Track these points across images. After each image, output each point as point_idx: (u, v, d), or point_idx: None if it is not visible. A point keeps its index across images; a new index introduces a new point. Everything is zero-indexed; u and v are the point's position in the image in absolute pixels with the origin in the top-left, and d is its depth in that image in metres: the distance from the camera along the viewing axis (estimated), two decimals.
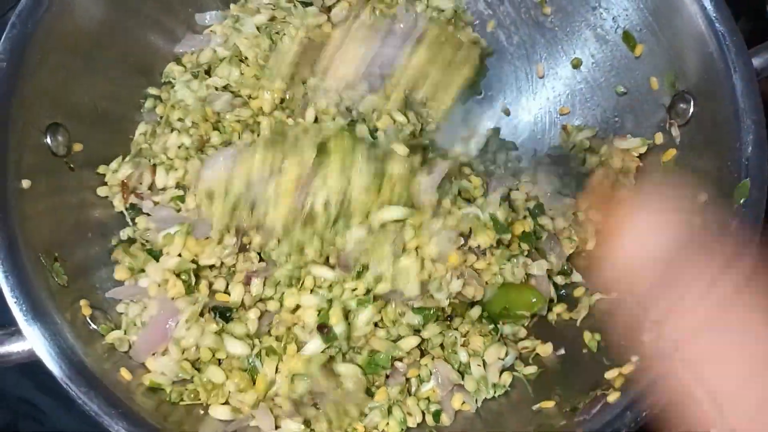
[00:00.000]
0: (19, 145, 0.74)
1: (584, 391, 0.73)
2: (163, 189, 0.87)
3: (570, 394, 0.74)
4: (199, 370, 0.76)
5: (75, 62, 0.83)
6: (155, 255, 0.82)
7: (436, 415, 0.79)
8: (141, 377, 0.75)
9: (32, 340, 0.67)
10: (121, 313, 0.79)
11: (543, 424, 0.72)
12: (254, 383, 0.76)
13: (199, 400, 0.75)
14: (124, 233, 0.85)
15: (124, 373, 0.73)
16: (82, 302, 0.75)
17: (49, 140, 0.79)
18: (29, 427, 0.98)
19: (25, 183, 0.74)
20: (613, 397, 0.68)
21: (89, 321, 0.74)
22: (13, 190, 0.72)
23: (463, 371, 0.81)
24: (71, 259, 0.77)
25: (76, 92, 0.84)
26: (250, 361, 0.76)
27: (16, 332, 0.68)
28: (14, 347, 0.68)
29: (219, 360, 0.78)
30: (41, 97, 0.78)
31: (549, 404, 0.75)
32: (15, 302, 0.67)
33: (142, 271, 0.81)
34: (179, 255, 0.80)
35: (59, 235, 0.78)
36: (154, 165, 0.88)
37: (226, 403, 0.76)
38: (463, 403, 0.80)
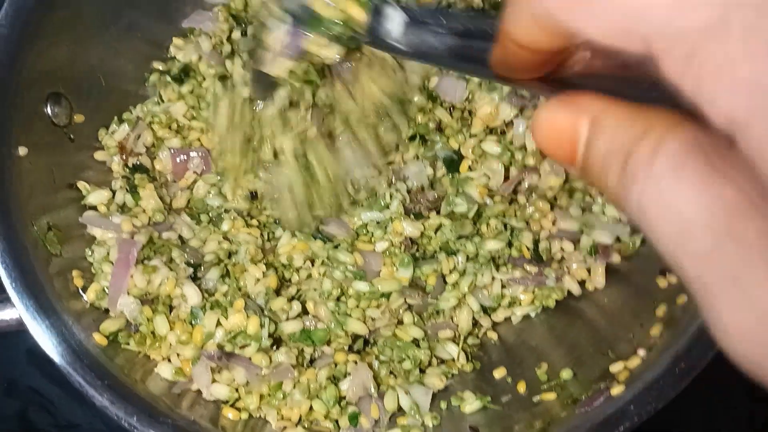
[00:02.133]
0: (18, 112, 0.74)
1: (587, 382, 0.70)
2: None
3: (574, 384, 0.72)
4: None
5: (79, 31, 0.82)
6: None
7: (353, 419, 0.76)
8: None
9: (20, 309, 0.66)
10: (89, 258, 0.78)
11: (544, 416, 0.70)
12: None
13: (144, 346, 0.74)
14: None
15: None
16: (75, 273, 0.74)
17: (49, 109, 0.78)
18: (40, 418, 0.98)
19: (22, 150, 0.73)
20: (616, 390, 0.66)
21: (81, 292, 0.73)
22: (8, 156, 0.72)
23: None
24: (66, 230, 0.76)
25: (79, 62, 0.82)
26: (194, 311, 0.75)
27: (5, 299, 0.67)
28: (3, 314, 0.67)
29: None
30: (43, 65, 0.77)
31: (550, 396, 0.72)
32: (4, 268, 0.66)
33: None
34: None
35: (55, 203, 0.77)
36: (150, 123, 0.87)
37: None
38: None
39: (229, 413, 0.72)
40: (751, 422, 0.95)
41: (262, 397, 0.74)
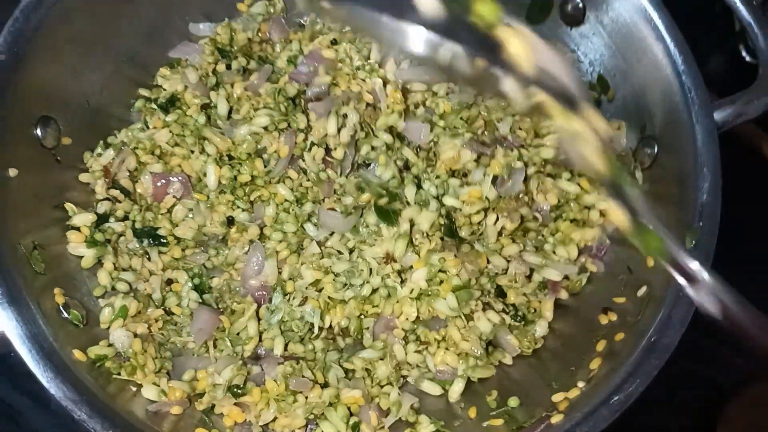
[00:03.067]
0: (9, 134, 0.77)
1: (532, 410, 0.76)
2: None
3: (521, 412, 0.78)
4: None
5: (71, 58, 0.86)
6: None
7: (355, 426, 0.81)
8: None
9: (4, 324, 0.69)
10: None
11: None
12: None
13: (135, 375, 0.78)
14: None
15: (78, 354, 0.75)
16: (56, 290, 0.77)
17: (39, 132, 0.82)
18: (5, 427, 0.99)
19: (12, 172, 0.76)
20: (556, 419, 0.72)
21: (62, 309, 0.76)
22: None
23: None
24: (49, 248, 0.79)
25: (69, 87, 0.87)
26: None
27: None
28: None
29: None
30: (36, 89, 0.81)
31: (498, 422, 0.79)
32: None
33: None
34: None
35: (40, 223, 0.80)
36: (135, 149, 0.90)
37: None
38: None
39: None
40: None
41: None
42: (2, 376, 1.00)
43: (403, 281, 0.87)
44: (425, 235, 0.88)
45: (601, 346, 0.80)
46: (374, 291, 0.86)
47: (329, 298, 0.86)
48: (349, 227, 0.90)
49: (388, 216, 0.88)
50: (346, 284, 0.87)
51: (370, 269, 0.87)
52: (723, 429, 0.99)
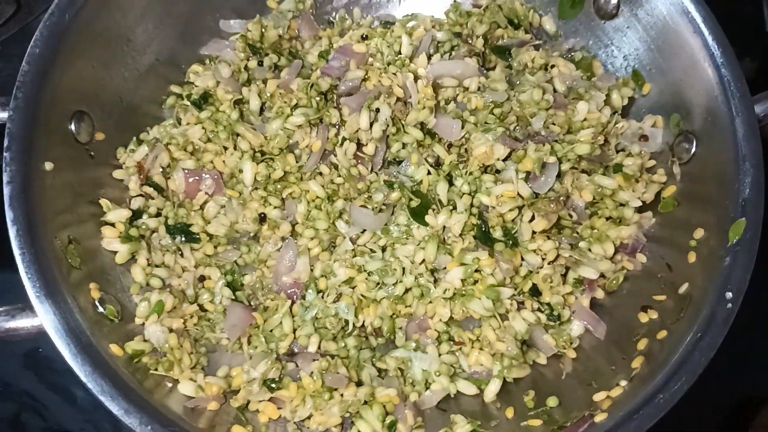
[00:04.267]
0: (45, 128, 0.77)
1: (571, 410, 0.75)
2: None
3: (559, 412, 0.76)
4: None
5: (105, 54, 0.86)
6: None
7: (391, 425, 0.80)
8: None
9: (42, 317, 0.69)
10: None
11: None
12: None
13: (172, 371, 0.77)
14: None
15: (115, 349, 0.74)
16: (92, 285, 0.77)
17: (73, 127, 0.82)
18: (32, 420, 1.00)
19: (48, 165, 0.76)
20: (600, 418, 0.70)
21: (97, 304, 0.76)
22: (36, 170, 0.75)
23: None
24: (84, 243, 0.79)
25: (103, 83, 0.87)
26: None
27: (26, 308, 0.70)
28: (23, 323, 0.70)
29: None
30: (70, 84, 0.81)
31: (536, 422, 0.77)
32: (29, 278, 0.69)
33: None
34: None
35: (75, 218, 0.80)
36: (168, 145, 0.90)
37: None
38: None
39: (239, 431, 0.75)
40: None
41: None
42: (29, 371, 1.01)
43: (436, 281, 0.86)
44: (458, 234, 0.87)
45: (642, 344, 0.79)
46: (407, 291, 0.85)
47: (362, 296, 0.85)
48: (380, 225, 0.89)
49: (421, 216, 0.87)
50: (378, 283, 0.85)
51: (403, 268, 0.86)
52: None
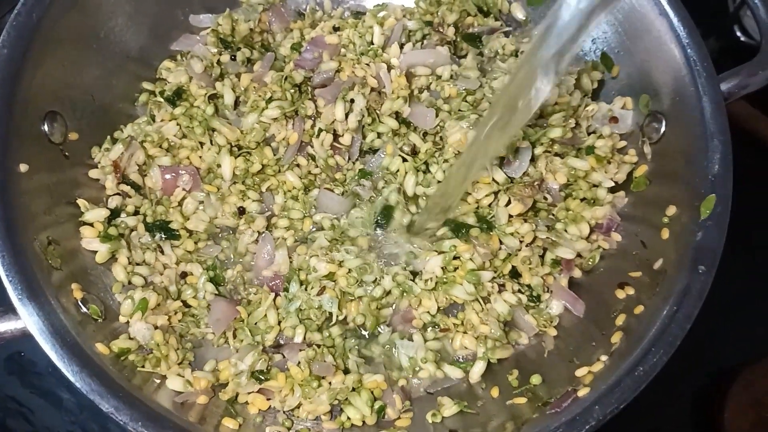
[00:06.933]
0: (18, 130, 0.76)
1: (555, 386, 0.77)
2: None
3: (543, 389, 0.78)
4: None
5: (75, 53, 0.85)
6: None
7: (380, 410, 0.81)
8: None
9: (26, 319, 0.68)
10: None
11: (517, 418, 0.76)
12: None
13: (159, 367, 0.77)
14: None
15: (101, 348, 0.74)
16: (74, 286, 0.76)
17: (46, 127, 0.81)
18: (18, 425, 0.99)
19: (23, 167, 0.75)
20: (583, 392, 0.72)
21: (80, 304, 0.75)
22: (11, 173, 0.74)
23: None
24: (64, 243, 0.78)
25: (74, 82, 0.86)
26: None
27: (8, 311, 0.69)
28: (5, 326, 0.70)
29: None
30: (41, 85, 0.80)
31: (521, 400, 0.79)
32: (10, 281, 0.68)
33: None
34: None
35: (54, 219, 0.79)
36: (143, 143, 0.89)
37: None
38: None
39: (229, 423, 0.76)
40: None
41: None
42: (12, 375, 1.00)
43: (416, 276, 0.87)
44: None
45: (620, 320, 0.81)
46: (387, 293, 0.86)
47: (342, 291, 0.86)
48: (344, 209, 0.91)
49: (390, 217, 0.90)
50: (358, 281, 0.86)
51: (381, 269, 0.87)
52: (730, 408, 1.00)
